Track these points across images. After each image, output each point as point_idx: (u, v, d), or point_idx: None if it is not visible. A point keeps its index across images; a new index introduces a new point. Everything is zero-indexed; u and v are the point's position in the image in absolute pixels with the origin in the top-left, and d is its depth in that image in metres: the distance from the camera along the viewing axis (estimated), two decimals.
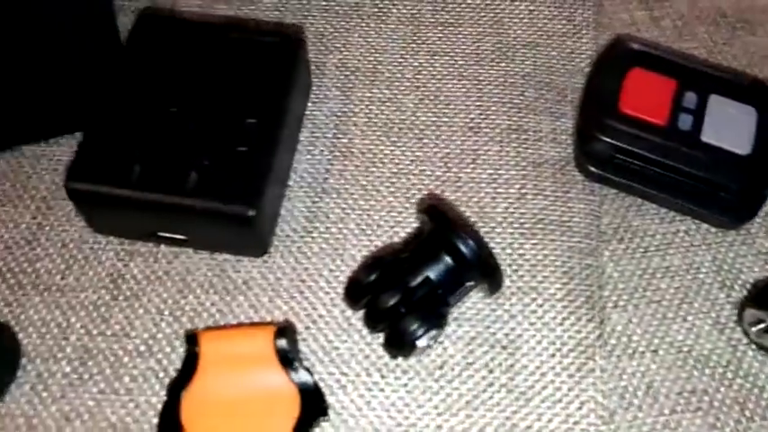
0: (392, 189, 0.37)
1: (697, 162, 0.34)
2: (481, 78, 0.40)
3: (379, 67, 0.41)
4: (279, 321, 0.33)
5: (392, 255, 0.32)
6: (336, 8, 0.42)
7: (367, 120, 0.39)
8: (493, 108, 0.39)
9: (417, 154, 0.38)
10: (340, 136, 0.39)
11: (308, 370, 0.31)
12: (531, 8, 0.42)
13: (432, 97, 0.40)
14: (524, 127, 0.39)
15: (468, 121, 0.39)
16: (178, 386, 0.30)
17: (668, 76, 0.36)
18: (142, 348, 0.33)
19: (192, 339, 0.30)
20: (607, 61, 0.38)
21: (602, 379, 0.32)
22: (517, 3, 0.43)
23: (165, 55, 0.37)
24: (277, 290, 0.35)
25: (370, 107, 0.40)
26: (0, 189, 0.37)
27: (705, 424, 0.32)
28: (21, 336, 0.33)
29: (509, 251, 0.35)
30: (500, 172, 0.37)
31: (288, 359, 0.30)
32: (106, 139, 0.33)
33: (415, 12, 0.43)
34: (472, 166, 0.38)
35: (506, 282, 0.34)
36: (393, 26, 0.42)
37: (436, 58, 0.41)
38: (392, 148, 0.38)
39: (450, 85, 0.40)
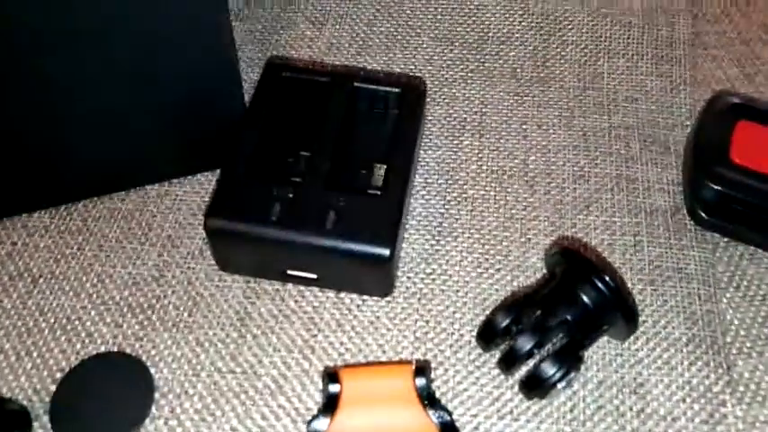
0: (506, 233, 0.38)
1: None
2: (586, 130, 0.42)
3: (485, 118, 0.42)
4: (416, 360, 0.34)
5: (526, 298, 0.33)
6: (440, 63, 0.45)
7: (477, 167, 0.41)
8: (600, 158, 0.41)
9: (530, 200, 0.39)
10: (451, 182, 0.40)
11: (446, 409, 0.31)
12: (629, 65, 0.45)
13: (539, 146, 0.41)
14: (632, 177, 0.40)
15: (577, 169, 0.40)
16: (318, 424, 0.30)
17: None
18: (272, 386, 0.33)
19: (332, 377, 0.31)
20: (712, 114, 0.40)
21: (736, 426, 0.32)
22: (615, 60, 0.45)
23: (292, 101, 0.39)
24: (402, 330, 0.35)
25: (480, 155, 0.41)
26: (126, 227, 0.39)
27: None
28: (153, 371, 0.34)
29: None
30: (614, 219, 0.39)
31: (428, 397, 0.31)
32: (242, 180, 0.35)
33: (516, 67, 0.45)
34: (585, 212, 0.39)
35: None
36: (496, 80, 0.44)
37: (540, 109, 0.43)
38: (504, 194, 0.39)
39: (556, 136, 0.42)
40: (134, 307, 0.36)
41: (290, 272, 0.35)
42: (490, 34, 0.46)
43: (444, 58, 0.45)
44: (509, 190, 0.40)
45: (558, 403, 0.33)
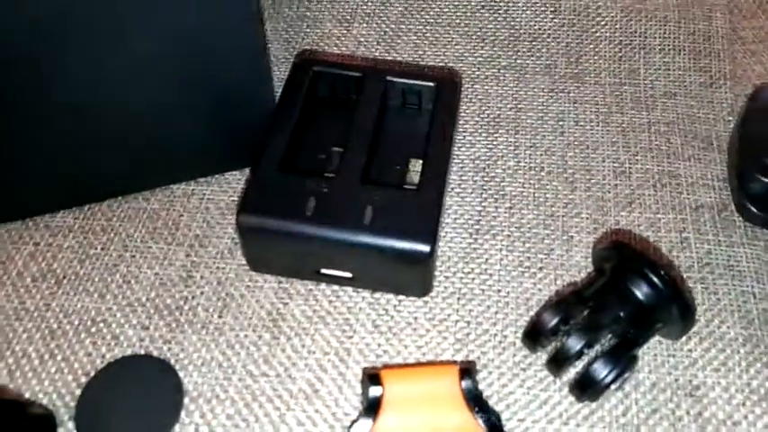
0: (547, 231, 0.37)
1: None
2: (625, 125, 0.41)
3: (520, 114, 0.41)
4: (460, 361, 0.32)
5: (575, 295, 0.31)
6: (471, 60, 0.44)
7: (514, 164, 0.39)
8: (641, 154, 0.39)
9: (570, 197, 0.38)
10: (488, 179, 0.39)
11: (494, 411, 0.30)
12: (666, 60, 0.43)
13: (577, 143, 0.40)
14: (675, 172, 0.39)
15: (617, 165, 0.39)
16: (361, 427, 0.29)
17: None
18: (308, 390, 0.32)
19: (374, 379, 0.29)
20: (758, 106, 0.39)
21: None
22: (651, 55, 0.44)
23: (323, 96, 0.38)
24: (442, 331, 0.33)
25: (516, 152, 0.40)
26: (152, 227, 0.37)
27: None
28: (182, 374, 0.32)
29: None
30: (658, 216, 0.37)
31: (475, 399, 0.29)
32: (274, 176, 0.34)
33: (549, 64, 0.43)
34: (628, 209, 0.37)
35: None
36: (529, 77, 0.43)
37: (576, 105, 0.42)
38: (543, 191, 0.38)
39: (593, 132, 0.40)
40: (161, 309, 0.34)
41: (324, 271, 0.34)
42: (521, 31, 0.45)
43: (476, 54, 0.44)
44: (548, 187, 0.38)
45: (610, 406, 0.31)
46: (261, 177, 0.34)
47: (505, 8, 0.47)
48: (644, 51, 0.44)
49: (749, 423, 0.31)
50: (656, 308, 0.30)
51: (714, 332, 0.33)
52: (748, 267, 0.35)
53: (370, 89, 0.37)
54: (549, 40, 0.45)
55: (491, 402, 0.31)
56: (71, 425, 0.31)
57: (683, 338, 0.33)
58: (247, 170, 0.39)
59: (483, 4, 0.47)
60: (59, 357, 0.33)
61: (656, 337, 0.33)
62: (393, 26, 0.46)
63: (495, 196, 0.38)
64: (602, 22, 0.46)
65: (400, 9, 0.47)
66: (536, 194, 0.38)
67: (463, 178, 0.39)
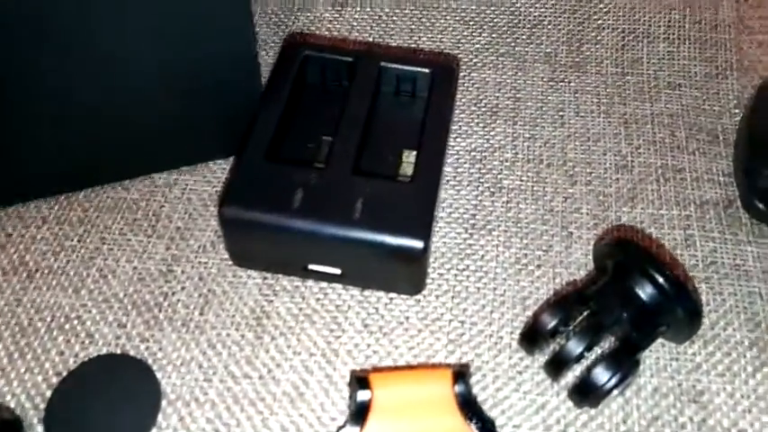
0: (546, 227, 0.35)
1: None
2: (627, 117, 0.39)
3: (519, 104, 0.39)
4: (453, 364, 0.31)
5: (575, 295, 0.30)
6: (468, 47, 0.42)
7: (512, 156, 0.37)
8: (644, 147, 0.38)
9: (570, 191, 0.36)
10: (484, 171, 0.37)
11: (488, 418, 0.28)
12: (671, 50, 0.42)
13: (578, 134, 0.38)
14: (679, 166, 0.37)
15: (619, 158, 0.37)
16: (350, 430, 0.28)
17: None
18: (292, 393, 0.30)
19: (362, 383, 0.28)
20: (765, 101, 0.37)
21: None
22: (654, 44, 0.42)
23: (313, 81, 0.36)
24: (434, 332, 0.32)
25: (515, 143, 0.38)
26: (131, 218, 0.35)
27: None
28: (159, 375, 0.30)
29: None
30: (661, 212, 0.35)
31: (469, 405, 0.27)
32: (260, 166, 0.32)
33: (549, 52, 0.42)
34: (630, 204, 0.36)
35: None
36: (528, 65, 0.41)
37: (577, 96, 0.40)
38: (542, 185, 0.36)
39: (595, 123, 0.38)
40: (139, 305, 0.33)
41: (311, 267, 0.32)
42: (521, 17, 0.44)
43: (473, 41, 0.42)
44: (547, 180, 0.37)
45: (610, 412, 0.30)
46: (246, 167, 0.32)
47: None
48: (648, 40, 0.42)
49: (755, 431, 0.30)
50: (661, 310, 0.29)
51: (719, 335, 0.32)
52: (755, 267, 0.34)
53: (363, 75, 0.35)
54: (549, 27, 0.43)
55: (485, 407, 0.30)
56: (40, 429, 0.29)
57: (687, 342, 0.32)
58: (232, 159, 0.38)
59: None
60: (29, 356, 0.31)
61: (659, 340, 0.32)
62: (387, 10, 0.44)
63: (491, 189, 0.36)
64: (605, 10, 0.44)
65: None
66: (534, 188, 0.36)
67: (458, 170, 0.37)
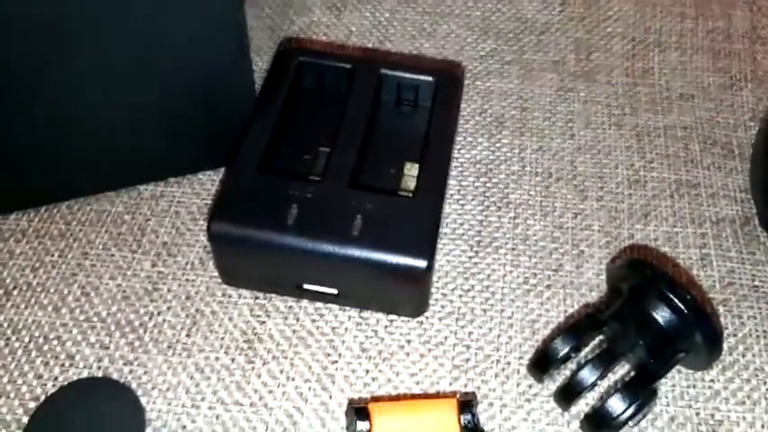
0: (556, 245, 0.33)
1: None
2: (639, 129, 0.37)
3: (526, 114, 0.38)
4: (458, 392, 0.29)
5: (588, 319, 0.28)
6: (472, 54, 0.40)
7: (519, 169, 0.36)
8: (657, 161, 0.36)
9: (580, 207, 0.35)
10: (490, 185, 0.36)
11: None
12: (683, 59, 0.40)
13: (588, 147, 0.36)
14: (693, 182, 0.36)
15: (631, 173, 0.36)
16: None
17: None
18: (285, 422, 0.28)
19: (361, 413, 0.26)
20: None
21: None
22: (666, 53, 0.40)
23: (309, 89, 0.34)
24: (438, 356, 0.30)
25: (522, 156, 0.36)
26: (115, 232, 0.33)
27: None
28: (144, 401, 0.28)
29: None
30: (676, 229, 0.34)
31: None
32: (252, 178, 0.30)
33: (557, 60, 0.40)
34: (643, 222, 0.34)
35: None
36: (535, 74, 0.40)
37: (587, 106, 0.38)
38: (551, 199, 0.35)
39: (606, 135, 0.37)
40: (123, 325, 0.31)
41: (306, 286, 0.30)
42: (528, 24, 0.42)
43: (477, 48, 0.41)
44: (556, 195, 0.35)
45: None
46: (237, 179, 0.30)
47: None
48: (659, 49, 0.41)
49: None
50: (679, 335, 0.27)
51: (738, 360, 0.30)
52: None
53: (362, 82, 0.33)
54: (557, 34, 0.42)
55: None
56: None
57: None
58: (223, 170, 0.36)
59: None
60: (5, 380, 0.29)
61: (676, 366, 0.30)
62: (387, 14, 0.43)
63: (498, 204, 0.35)
64: (614, 17, 0.43)
65: None
66: (543, 203, 0.35)
67: (463, 183, 0.36)
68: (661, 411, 0.29)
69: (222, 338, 0.30)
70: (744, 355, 0.30)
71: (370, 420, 0.26)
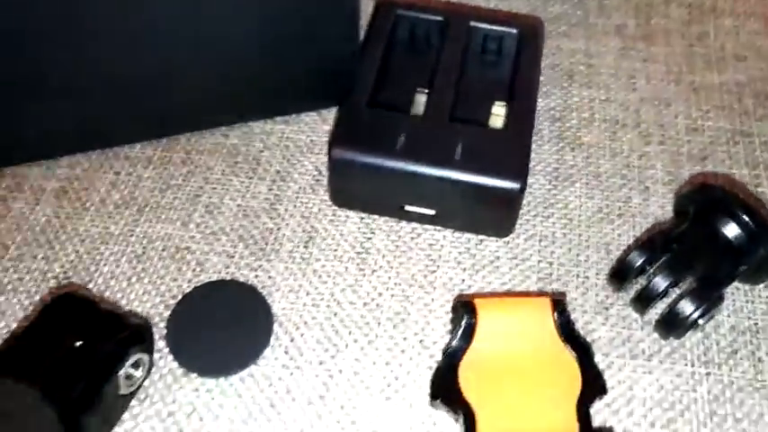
0: (624, 181, 0.37)
1: None
2: (696, 85, 0.41)
3: (592, 71, 0.42)
4: (552, 292, 0.32)
5: (661, 235, 0.32)
6: (543, 14, 0.44)
7: (589, 116, 0.40)
8: (713, 111, 0.40)
9: (645, 150, 0.38)
10: (564, 129, 0.39)
11: (586, 342, 0.30)
12: (736, 24, 0.44)
13: (650, 99, 0.40)
14: (747, 131, 0.39)
15: (690, 122, 0.39)
16: (454, 352, 0.29)
17: None
18: (395, 319, 0.32)
19: (468, 307, 0.30)
20: None
21: None
22: (721, 19, 0.44)
23: (406, 39, 0.38)
24: (524, 270, 0.34)
25: (591, 105, 0.40)
26: (232, 161, 0.37)
27: None
28: (269, 301, 0.33)
29: None
30: (732, 171, 0.37)
31: (568, 332, 0.30)
32: (365, 112, 0.34)
33: (619, 24, 0.44)
34: (701, 165, 0.38)
35: None
36: (599, 36, 0.43)
37: (647, 64, 0.42)
38: (618, 143, 0.39)
39: (665, 90, 0.41)
40: (246, 239, 0.35)
41: (408, 207, 0.34)
42: None
43: (546, 11, 0.45)
44: (623, 139, 0.39)
45: (691, 345, 0.32)
46: (351, 113, 0.34)
47: None
48: (714, 15, 0.45)
49: None
50: (744, 250, 0.31)
51: None
52: None
53: (454, 33, 0.38)
54: (617, 0, 0.46)
55: None
56: (162, 344, 0.31)
57: (761, 285, 0.34)
58: (325, 112, 0.39)
59: None
60: (146, 280, 0.33)
61: (735, 283, 0.34)
62: None
63: (571, 145, 0.39)
64: None
65: None
66: (611, 146, 0.39)
67: (539, 127, 0.39)
68: (723, 321, 0.33)
69: (335, 250, 0.34)
70: None
71: (476, 312, 0.30)
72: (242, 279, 0.34)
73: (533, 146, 0.38)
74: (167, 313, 0.32)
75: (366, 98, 0.35)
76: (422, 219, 0.35)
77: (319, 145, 0.38)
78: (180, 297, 0.33)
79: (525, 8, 0.45)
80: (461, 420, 0.28)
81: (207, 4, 0.33)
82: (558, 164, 0.38)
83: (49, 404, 0.26)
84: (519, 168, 0.33)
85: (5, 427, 0.28)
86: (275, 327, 0.32)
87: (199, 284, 0.33)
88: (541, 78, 0.41)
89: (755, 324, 0.33)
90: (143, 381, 0.30)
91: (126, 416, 0.29)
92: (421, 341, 0.32)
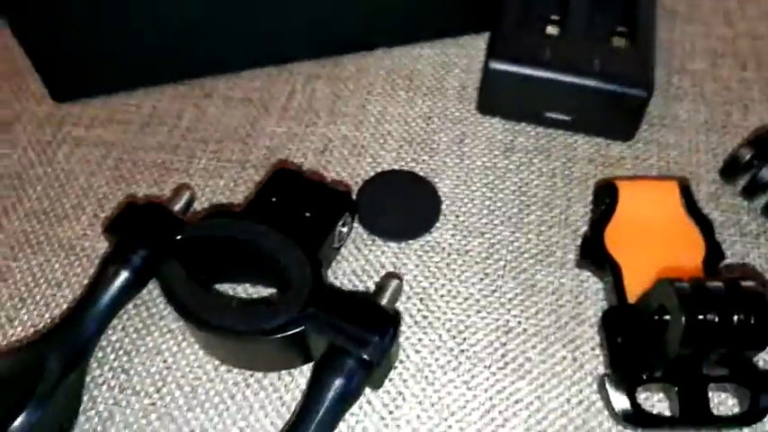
0: (726, 101, 0.43)
1: None
2: None
3: (693, 9, 0.47)
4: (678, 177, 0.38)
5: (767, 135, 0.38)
6: None
7: (690, 48, 0.46)
8: None
9: (743, 75, 0.44)
10: (669, 57, 0.45)
11: (709, 220, 0.36)
12: None
13: (746, 34, 0.46)
14: None
15: None
16: (600, 221, 0.35)
17: None
18: (540, 203, 0.38)
19: (610, 186, 0.36)
20: None
21: None
22: None
23: None
24: (646, 168, 0.40)
25: (693, 38, 0.46)
26: (390, 79, 0.44)
27: None
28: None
29: None
30: None
31: (693, 208, 0.36)
32: (515, 30, 0.40)
33: None
34: None
35: None
36: None
37: (743, 3, 0.48)
38: (718, 70, 0.44)
39: (759, 25, 0.46)
40: (409, 140, 0.41)
41: (547, 114, 0.41)
42: None
43: None
44: (723, 66, 0.45)
45: None
46: (504, 30, 0.40)
47: None
48: None
49: None
50: None
51: None
52: None
53: None
54: None
55: None
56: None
57: None
58: (461, 39, 0.45)
59: None
60: (330, 169, 0.40)
61: None
62: None
63: (677, 71, 0.45)
64: None
65: None
66: (714, 72, 0.45)
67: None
68: None
69: (483, 150, 0.41)
70: None
71: (617, 191, 0.36)
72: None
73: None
74: (354, 194, 0.39)
75: (515, 19, 0.41)
76: (557, 124, 0.41)
77: (460, 66, 0.45)
78: (360, 183, 0.39)
79: None
80: (609, 277, 0.34)
81: None
82: (668, 84, 0.44)
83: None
84: (647, 79, 0.39)
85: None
86: (443, 207, 0.39)
87: (379, 172, 0.40)
88: None
89: None
90: (347, 238, 0.36)
91: (328, 272, 0.36)
92: (565, 219, 0.38)
